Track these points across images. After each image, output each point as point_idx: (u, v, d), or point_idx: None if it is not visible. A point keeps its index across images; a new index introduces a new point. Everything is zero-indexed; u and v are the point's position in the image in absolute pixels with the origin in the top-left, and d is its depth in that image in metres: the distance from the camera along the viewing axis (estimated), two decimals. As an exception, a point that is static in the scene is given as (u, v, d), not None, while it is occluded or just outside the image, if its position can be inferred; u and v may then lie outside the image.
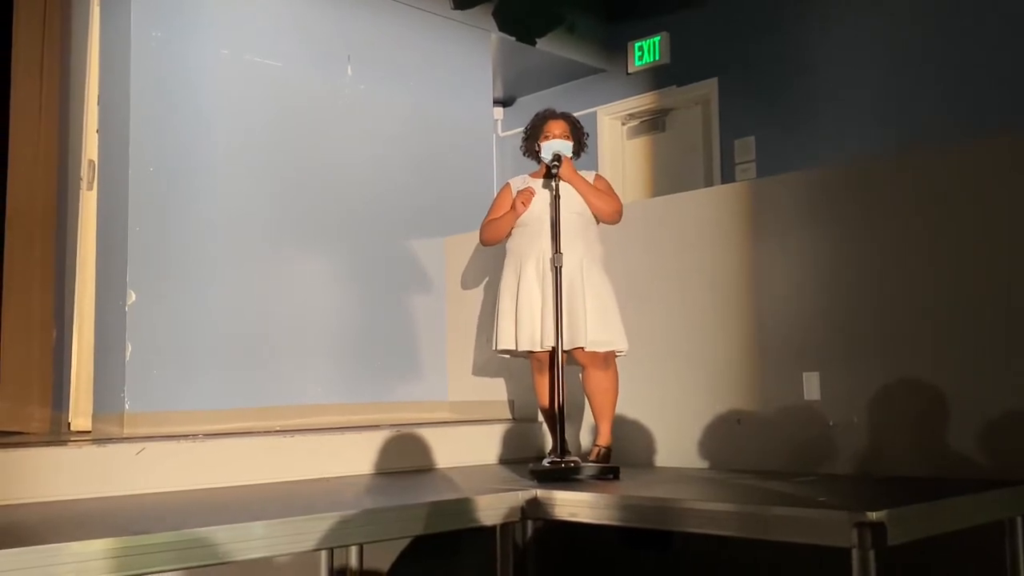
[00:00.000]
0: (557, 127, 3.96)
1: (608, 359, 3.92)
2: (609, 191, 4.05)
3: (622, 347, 3.92)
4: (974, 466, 3.44)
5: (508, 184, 4.13)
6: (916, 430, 3.64)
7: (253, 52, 4.90)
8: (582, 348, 3.83)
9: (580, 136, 4.03)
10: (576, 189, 3.90)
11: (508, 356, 4.06)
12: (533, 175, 4.07)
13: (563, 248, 3.72)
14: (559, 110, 4.08)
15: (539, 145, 3.95)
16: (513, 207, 3.93)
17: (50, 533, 2.56)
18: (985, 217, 3.55)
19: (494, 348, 4.01)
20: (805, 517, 2.64)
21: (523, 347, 3.88)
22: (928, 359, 3.63)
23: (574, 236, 3.84)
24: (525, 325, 3.86)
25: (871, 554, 2.45)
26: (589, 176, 4.06)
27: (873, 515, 2.48)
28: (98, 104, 4.62)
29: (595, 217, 3.98)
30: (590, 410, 4.08)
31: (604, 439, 3.96)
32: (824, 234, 3.98)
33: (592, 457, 3.92)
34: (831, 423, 3.84)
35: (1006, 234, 3.49)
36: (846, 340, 3.85)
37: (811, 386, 3.91)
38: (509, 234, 4.01)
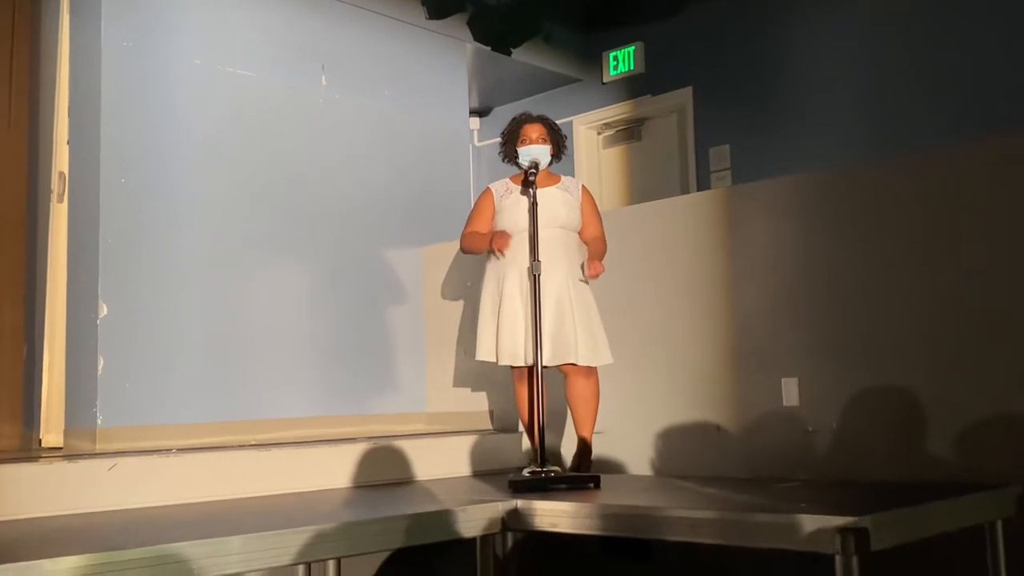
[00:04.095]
0: (533, 130, 3.94)
1: (591, 368, 3.92)
2: (597, 219, 4.05)
3: (609, 360, 3.91)
4: (953, 470, 3.45)
5: (489, 189, 4.10)
6: (895, 435, 3.65)
7: (226, 62, 4.85)
8: (572, 364, 3.83)
9: (558, 139, 4.01)
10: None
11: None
12: (513, 179, 4.05)
13: (547, 263, 3.70)
14: (536, 113, 4.07)
15: (516, 150, 3.93)
16: (493, 245, 3.86)
17: (21, 550, 2.51)
18: (961, 224, 3.57)
19: (475, 357, 3.98)
20: (787, 523, 2.62)
21: (503, 361, 3.86)
22: (906, 364, 3.64)
23: (558, 251, 3.83)
24: (506, 340, 3.83)
25: (854, 559, 2.44)
26: (575, 185, 4.06)
27: (856, 520, 2.48)
28: (68, 115, 4.56)
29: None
30: (571, 419, 4.06)
31: (585, 447, 3.93)
32: (800, 240, 3.99)
33: (572, 466, 3.89)
34: (810, 429, 3.84)
35: (982, 241, 3.51)
36: (824, 346, 3.85)
37: (790, 392, 3.92)
38: None
